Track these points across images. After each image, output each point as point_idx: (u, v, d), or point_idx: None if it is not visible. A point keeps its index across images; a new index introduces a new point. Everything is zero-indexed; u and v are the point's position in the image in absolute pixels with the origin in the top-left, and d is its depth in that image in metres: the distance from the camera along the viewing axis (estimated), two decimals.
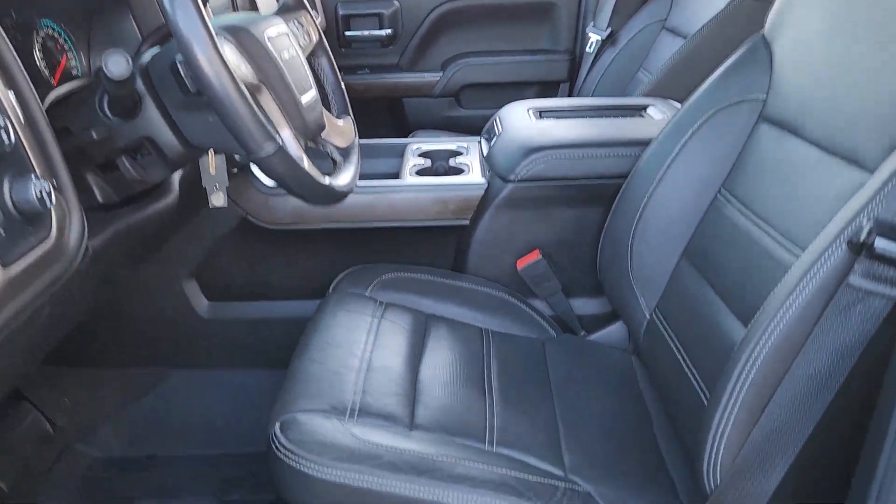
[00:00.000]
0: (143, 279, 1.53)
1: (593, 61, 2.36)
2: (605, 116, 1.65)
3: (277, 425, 1.02)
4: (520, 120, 1.64)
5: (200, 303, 1.59)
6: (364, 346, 1.23)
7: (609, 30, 2.34)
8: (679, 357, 1.18)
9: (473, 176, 1.61)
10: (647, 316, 1.35)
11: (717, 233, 1.21)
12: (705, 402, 1.02)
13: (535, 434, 1.13)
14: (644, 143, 1.42)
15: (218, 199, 1.30)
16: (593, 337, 1.52)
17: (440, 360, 1.25)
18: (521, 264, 1.49)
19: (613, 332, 1.52)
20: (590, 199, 1.48)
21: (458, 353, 1.28)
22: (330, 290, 1.43)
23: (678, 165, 1.30)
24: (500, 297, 1.49)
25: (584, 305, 1.56)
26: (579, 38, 2.53)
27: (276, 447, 0.99)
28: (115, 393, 1.60)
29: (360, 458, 0.98)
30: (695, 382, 1.10)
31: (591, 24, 2.47)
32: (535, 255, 1.49)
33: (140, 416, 1.60)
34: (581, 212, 1.49)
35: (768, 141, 1.15)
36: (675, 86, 1.84)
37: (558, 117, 1.63)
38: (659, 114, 1.62)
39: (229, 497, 1.46)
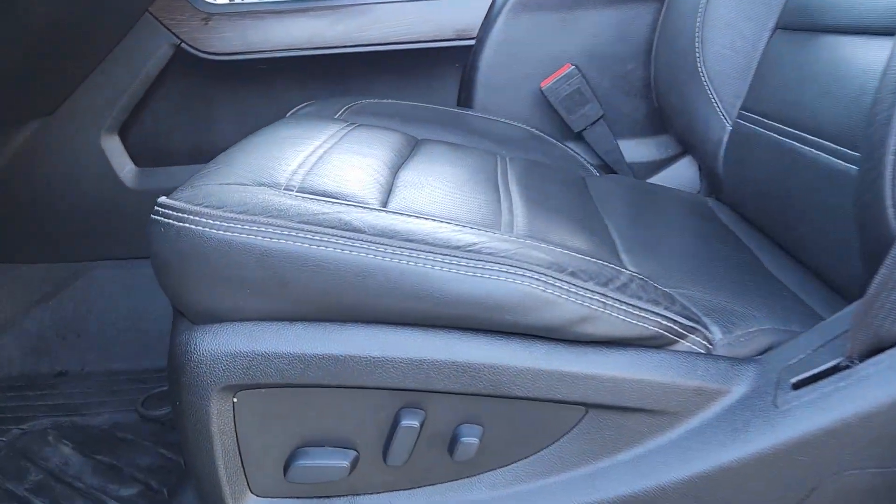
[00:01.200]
0: (52, 139, 1.17)
1: None
2: None
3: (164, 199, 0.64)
4: None
5: (125, 167, 1.22)
6: (320, 144, 0.85)
7: None
8: (793, 148, 0.80)
9: None
10: (729, 125, 0.97)
11: None
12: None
13: (582, 236, 0.74)
14: None
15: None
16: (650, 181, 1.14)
17: (432, 169, 0.86)
18: (547, 82, 1.12)
19: (673, 174, 1.13)
20: None
21: (460, 167, 0.89)
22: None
23: None
24: (524, 130, 1.11)
25: (633, 150, 1.18)
26: None
27: (159, 215, 0.61)
28: (15, 296, 1.23)
29: (291, 214, 0.61)
30: (834, 161, 0.72)
31: None
32: (566, 68, 1.11)
33: (50, 323, 1.23)
34: (623, 11, 1.12)
35: None
36: None
37: None
38: None
39: (155, 412, 1.07)
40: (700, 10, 1.01)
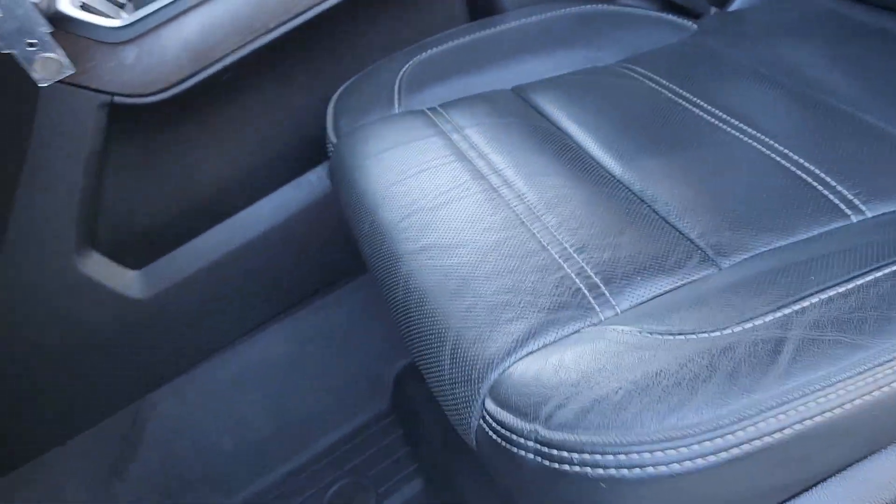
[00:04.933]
0: (17, 278, 0.88)
1: None
2: None
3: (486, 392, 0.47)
4: None
5: (123, 280, 0.96)
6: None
7: None
8: None
9: None
10: None
11: None
12: None
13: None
14: None
15: (48, 67, 0.65)
16: (736, 6, 0.98)
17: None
18: None
19: None
20: None
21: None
22: (330, 136, 0.83)
23: None
24: (587, 12, 0.91)
25: None
26: None
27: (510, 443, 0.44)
28: (77, 475, 1.00)
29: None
30: None
31: None
32: None
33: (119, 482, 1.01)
34: None
35: None
36: None
37: None
38: None
39: None
40: None
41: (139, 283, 0.94)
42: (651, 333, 0.45)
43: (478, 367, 0.49)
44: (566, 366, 0.45)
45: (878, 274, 0.45)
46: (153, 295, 0.93)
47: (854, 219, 0.55)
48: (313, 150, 0.94)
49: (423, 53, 0.87)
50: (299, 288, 1.01)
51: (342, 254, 1.01)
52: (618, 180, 0.63)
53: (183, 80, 0.88)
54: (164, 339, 0.95)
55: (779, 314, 0.44)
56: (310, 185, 0.96)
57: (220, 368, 1.00)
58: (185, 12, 0.87)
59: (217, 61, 0.88)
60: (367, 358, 1.03)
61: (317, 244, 0.99)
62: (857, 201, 0.56)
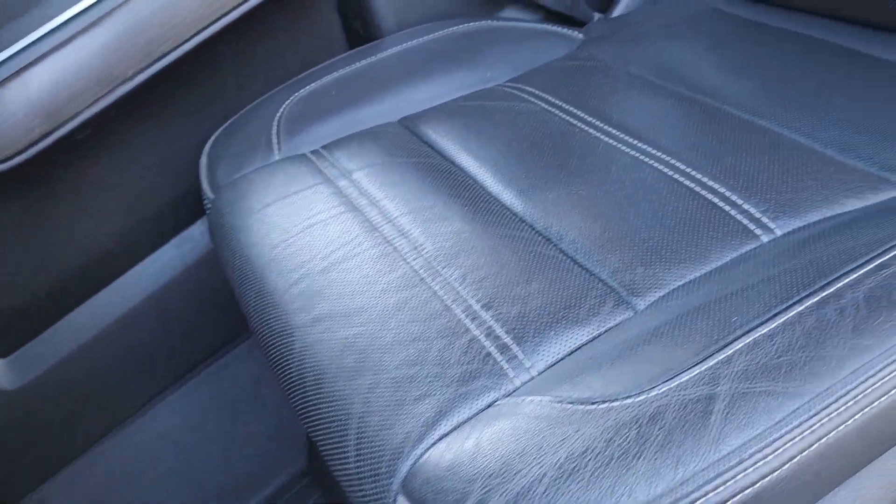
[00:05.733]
0: None
1: None
2: None
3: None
4: None
5: None
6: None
7: None
8: None
9: None
10: None
11: None
12: None
13: None
14: None
15: None
16: (618, 13, 0.97)
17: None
18: None
19: None
20: None
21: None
22: (206, 191, 0.76)
23: None
24: (470, 30, 0.87)
25: None
26: None
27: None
28: None
29: None
30: None
31: None
32: None
33: None
34: None
35: None
36: None
37: None
38: None
39: None
40: None
41: (6, 372, 0.84)
42: (572, 403, 0.41)
43: (386, 458, 0.44)
44: (484, 451, 0.41)
45: (801, 308, 0.43)
46: (24, 384, 0.83)
47: (765, 239, 0.53)
48: (194, 202, 0.87)
49: (302, 90, 0.81)
50: (192, 352, 0.93)
51: (236, 310, 0.93)
52: (520, 218, 0.59)
53: (36, 142, 0.79)
54: (42, 431, 0.85)
55: (704, 367, 0.41)
56: (193, 241, 0.88)
57: (116, 451, 0.91)
58: (28, 67, 0.78)
59: (72, 118, 0.79)
60: (276, 416, 0.96)
61: (207, 303, 0.91)
62: (765, 219, 0.54)
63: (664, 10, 0.89)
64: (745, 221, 0.54)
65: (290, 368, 0.53)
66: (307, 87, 0.81)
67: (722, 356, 0.41)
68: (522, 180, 0.63)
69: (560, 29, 0.88)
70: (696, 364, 0.41)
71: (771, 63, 0.74)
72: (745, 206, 0.55)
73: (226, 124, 0.81)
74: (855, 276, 0.44)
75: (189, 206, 0.89)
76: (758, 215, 0.54)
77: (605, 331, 0.48)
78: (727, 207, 0.55)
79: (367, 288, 0.54)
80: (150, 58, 0.81)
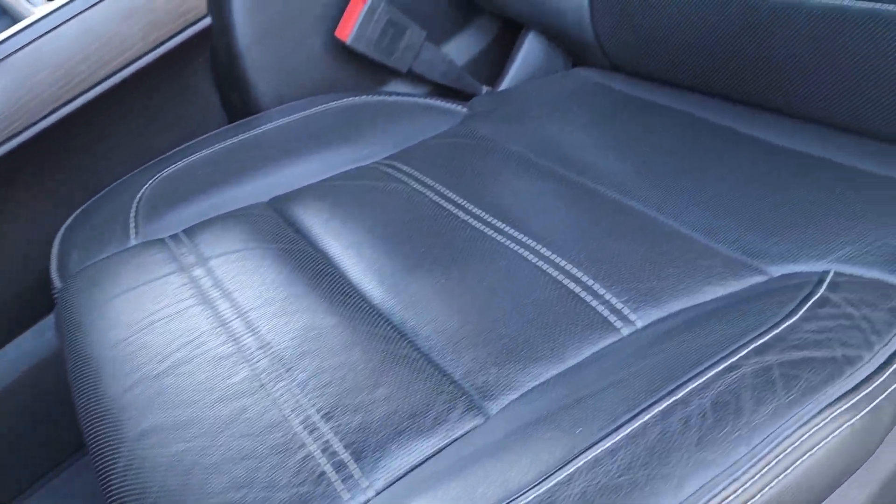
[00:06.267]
0: None
1: None
2: None
3: None
4: None
5: None
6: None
7: None
8: None
9: None
10: None
11: None
12: None
13: None
14: None
15: None
16: (504, 86, 0.96)
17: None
18: (347, 29, 0.85)
19: (523, 66, 0.97)
20: None
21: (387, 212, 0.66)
22: (54, 280, 0.70)
23: None
24: (351, 105, 0.85)
25: (459, 53, 0.97)
26: None
27: None
28: None
29: None
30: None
31: None
32: (361, 1, 0.85)
33: None
34: None
35: None
36: None
37: None
38: None
39: None
40: None
41: None
42: None
43: None
44: None
45: (647, 417, 0.40)
46: None
47: (625, 331, 0.51)
48: (45, 294, 0.81)
49: (167, 169, 0.77)
50: (27, 471, 0.85)
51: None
52: (377, 311, 0.56)
53: None
54: None
55: (543, 489, 0.38)
56: (38, 339, 0.81)
57: None
58: None
59: None
60: None
61: (54, 412, 0.83)
62: (626, 310, 0.52)
63: (550, 84, 0.89)
64: (606, 313, 0.52)
65: (112, 489, 0.47)
66: (173, 165, 0.77)
67: (562, 476, 0.38)
68: (385, 268, 0.60)
69: (443, 103, 0.87)
70: (535, 485, 0.38)
71: (650, 141, 0.74)
72: (607, 296, 0.53)
73: (82, 207, 0.76)
74: (704, 378, 0.42)
75: (39, 300, 0.82)
76: (619, 306, 0.52)
77: (453, 440, 0.45)
78: (588, 298, 0.53)
79: (202, 396, 0.49)
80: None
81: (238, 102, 0.87)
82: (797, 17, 0.64)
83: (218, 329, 0.56)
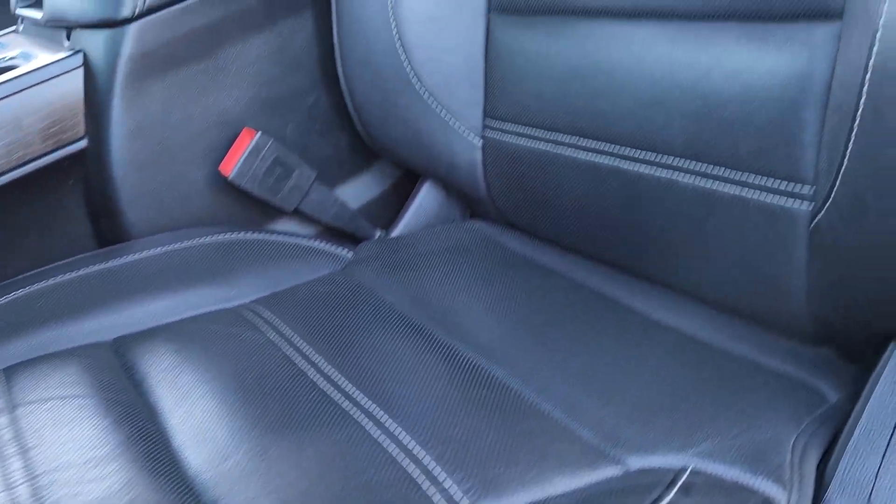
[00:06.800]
0: None
1: None
2: None
3: None
4: None
5: None
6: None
7: None
8: (592, 162, 0.67)
9: (43, 59, 0.83)
10: (478, 140, 0.81)
11: None
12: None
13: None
14: None
15: None
16: (398, 232, 0.94)
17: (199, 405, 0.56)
18: (231, 164, 0.82)
19: (419, 213, 0.95)
20: (286, 1, 0.85)
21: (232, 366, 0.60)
22: None
23: None
24: (227, 241, 0.80)
25: (354, 195, 0.96)
26: None
27: None
28: None
29: None
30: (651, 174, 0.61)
31: None
32: (249, 137, 0.83)
33: None
34: (275, 33, 0.85)
35: None
36: None
37: None
38: None
39: None
40: (390, 7, 0.80)
41: None
42: None
43: None
44: None
45: None
46: None
47: None
48: None
49: (7, 296, 0.70)
50: None
51: None
52: (191, 485, 0.49)
53: None
54: None
55: None
56: None
57: None
58: None
59: None
60: None
61: None
62: (465, 502, 0.46)
63: (440, 235, 0.88)
64: (443, 503, 0.46)
65: None
66: (14, 293, 0.71)
67: None
68: (213, 432, 0.53)
69: (327, 246, 0.83)
70: None
71: (529, 305, 0.71)
72: (447, 484, 0.48)
73: None
74: None
75: None
76: (458, 497, 0.47)
77: None
78: (426, 484, 0.48)
79: None
80: None
81: (108, 231, 0.82)
82: (672, 195, 0.64)
83: (1, 494, 0.48)
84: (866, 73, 0.45)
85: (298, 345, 0.63)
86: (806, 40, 0.53)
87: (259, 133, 0.81)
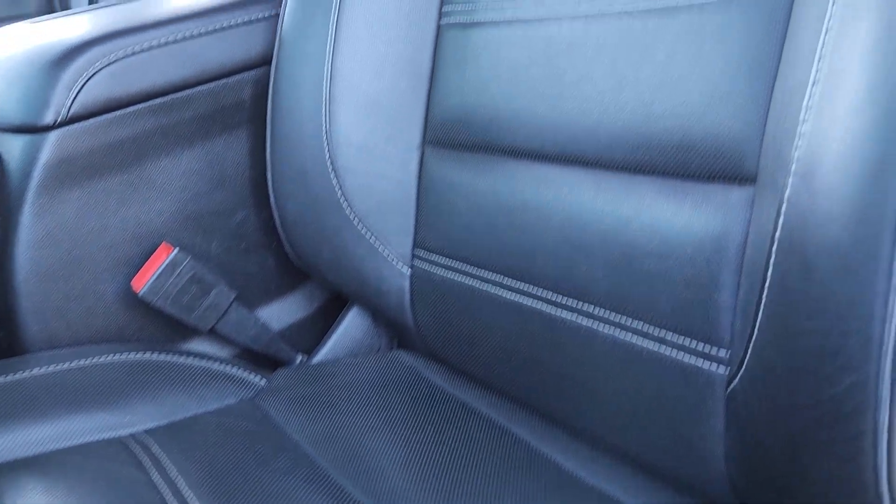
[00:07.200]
0: None
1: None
2: None
3: None
4: (22, 29, 0.90)
5: None
6: None
7: None
8: (518, 304, 0.65)
9: None
10: (406, 269, 0.79)
11: (481, 61, 0.71)
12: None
13: None
14: None
15: None
16: (320, 358, 0.90)
17: None
18: (143, 280, 0.78)
19: (343, 339, 0.92)
20: (219, 117, 0.84)
21: None
22: None
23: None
24: (131, 361, 0.76)
25: (277, 316, 0.92)
26: None
27: None
28: None
29: None
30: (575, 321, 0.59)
31: None
32: (165, 252, 0.79)
33: None
34: (206, 149, 0.84)
35: None
36: None
37: (100, 8, 0.92)
38: None
39: None
40: (324, 132, 0.79)
41: None
42: None
43: None
44: None
45: None
46: None
47: None
48: None
49: None
50: None
51: None
52: None
53: None
54: None
55: None
56: None
57: None
58: None
59: None
60: None
61: None
62: None
63: (362, 365, 0.84)
64: None
65: None
66: None
67: None
68: None
69: (240, 372, 0.79)
70: None
71: (441, 448, 0.67)
72: None
73: None
74: None
75: None
76: None
77: None
78: None
79: None
80: None
81: (3, 341, 0.77)
82: (594, 345, 0.61)
83: None
84: (773, 244, 0.44)
85: (181, 490, 0.58)
86: (722, 202, 0.52)
87: (177, 249, 0.78)
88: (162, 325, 0.82)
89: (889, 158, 0.38)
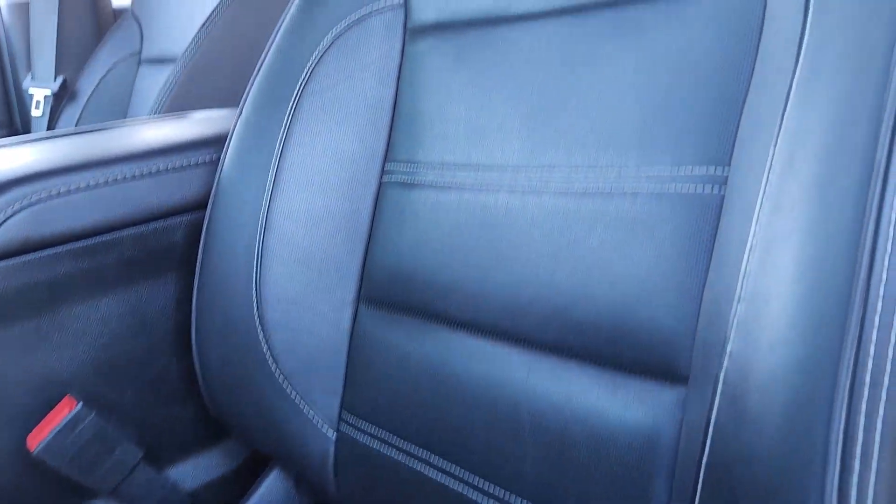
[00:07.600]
0: None
1: (50, 125, 1.67)
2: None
3: None
4: None
5: None
6: None
7: (61, 79, 1.69)
8: (452, 472, 0.61)
9: None
10: (332, 433, 0.74)
11: (420, 223, 0.69)
12: None
13: None
14: (215, 143, 0.84)
15: None
16: None
17: None
18: (39, 437, 0.71)
19: (264, 502, 0.85)
20: (147, 261, 0.80)
21: None
22: None
23: (296, 148, 0.77)
24: None
25: (192, 475, 0.85)
26: (14, 100, 1.78)
27: None
28: None
29: None
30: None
31: (30, 77, 1.77)
32: (67, 407, 0.73)
33: None
34: (132, 293, 0.80)
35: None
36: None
37: (36, 141, 0.89)
38: (208, 114, 1.04)
39: None
40: (254, 283, 0.76)
41: None
42: None
43: None
44: None
45: None
46: None
47: None
48: None
49: None
50: None
51: None
52: None
53: None
54: None
55: None
56: None
57: None
58: None
59: None
60: None
61: None
62: None
63: None
64: None
65: None
66: None
67: None
68: None
69: None
70: None
71: None
72: None
73: None
74: None
75: None
76: None
77: None
78: None
79: None
80: None
81: None
82: None
83: None
84: (703, 455, 0.42)
85: None
86: (655, 402, 0.50)
87: (80, 404, 0.72)
88: (59, 486, 0.74)
89: (814, 392, 0.36)
